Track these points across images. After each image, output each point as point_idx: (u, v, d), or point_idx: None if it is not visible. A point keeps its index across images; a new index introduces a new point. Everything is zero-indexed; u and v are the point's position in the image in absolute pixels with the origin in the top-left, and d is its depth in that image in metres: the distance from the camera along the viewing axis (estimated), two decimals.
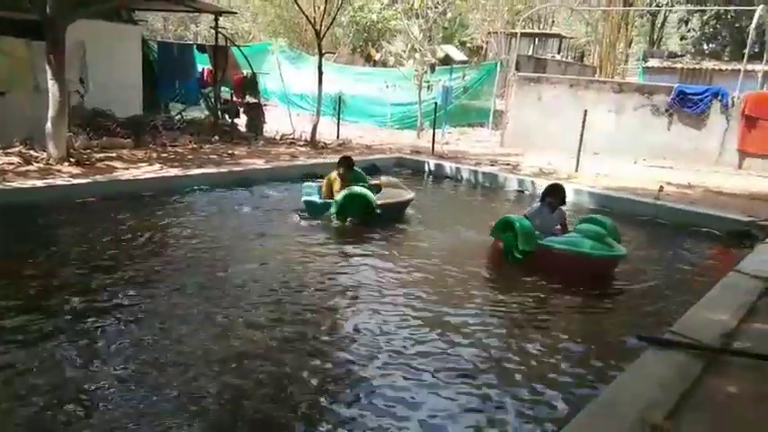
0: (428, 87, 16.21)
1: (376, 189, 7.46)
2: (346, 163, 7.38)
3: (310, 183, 7.70)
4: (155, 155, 9.73)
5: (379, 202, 6.95)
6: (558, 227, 6.30)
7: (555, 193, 6.22)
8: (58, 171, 7.94)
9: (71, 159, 8.44)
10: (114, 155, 9.32)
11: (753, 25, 13.26)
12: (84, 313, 4.14)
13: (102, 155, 9.20)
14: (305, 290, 4.93)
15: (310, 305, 4.60)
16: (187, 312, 4.30)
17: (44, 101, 8.40)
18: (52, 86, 8.29)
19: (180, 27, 36.31)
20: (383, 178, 8.38)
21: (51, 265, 5.05)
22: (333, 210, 6.83)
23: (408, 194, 7.68)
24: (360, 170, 7.91)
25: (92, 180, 7.51)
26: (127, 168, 8.44)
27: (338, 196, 6.87)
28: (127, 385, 3.29)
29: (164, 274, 5.03)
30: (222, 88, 13.79)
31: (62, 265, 5.10)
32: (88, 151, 9.26)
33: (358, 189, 6.91)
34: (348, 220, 6.85)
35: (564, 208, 6.37)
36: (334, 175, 7.33)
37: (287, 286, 4.97)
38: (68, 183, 7.34)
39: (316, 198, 7.16)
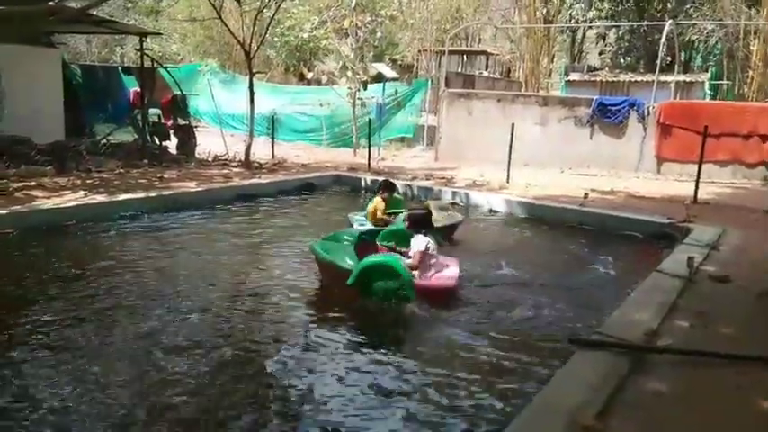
0: (362, 105, 16.33)
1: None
2: (392, 187, 7.47)
3: (357, 213, 7.68)
4: (78, 182, 9.29)
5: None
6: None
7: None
8: None
9: None
10: (34, 183, 8.84)
11: (663, 39, 14.17)
12: None
13: (20, 184, 8.70)
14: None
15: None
16: (112, 350, 4.11)
17: None
18: None
19: (105, 50, 35.03)
20: (429, 202, 8.07)
21: None
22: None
23: (458, 217, 7.54)
24: (400, 196, 7.94)
25: (9, 211, 7.10)
26: (48, 197, 8.02)
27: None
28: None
29: (84, 308, 4.76)
30: (151, 110, 13.41)
31: None
32: (4, 181, 8.74)
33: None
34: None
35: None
36: (378, 199, 7.27)
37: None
38: None
39: (367, 226, 6.89)
